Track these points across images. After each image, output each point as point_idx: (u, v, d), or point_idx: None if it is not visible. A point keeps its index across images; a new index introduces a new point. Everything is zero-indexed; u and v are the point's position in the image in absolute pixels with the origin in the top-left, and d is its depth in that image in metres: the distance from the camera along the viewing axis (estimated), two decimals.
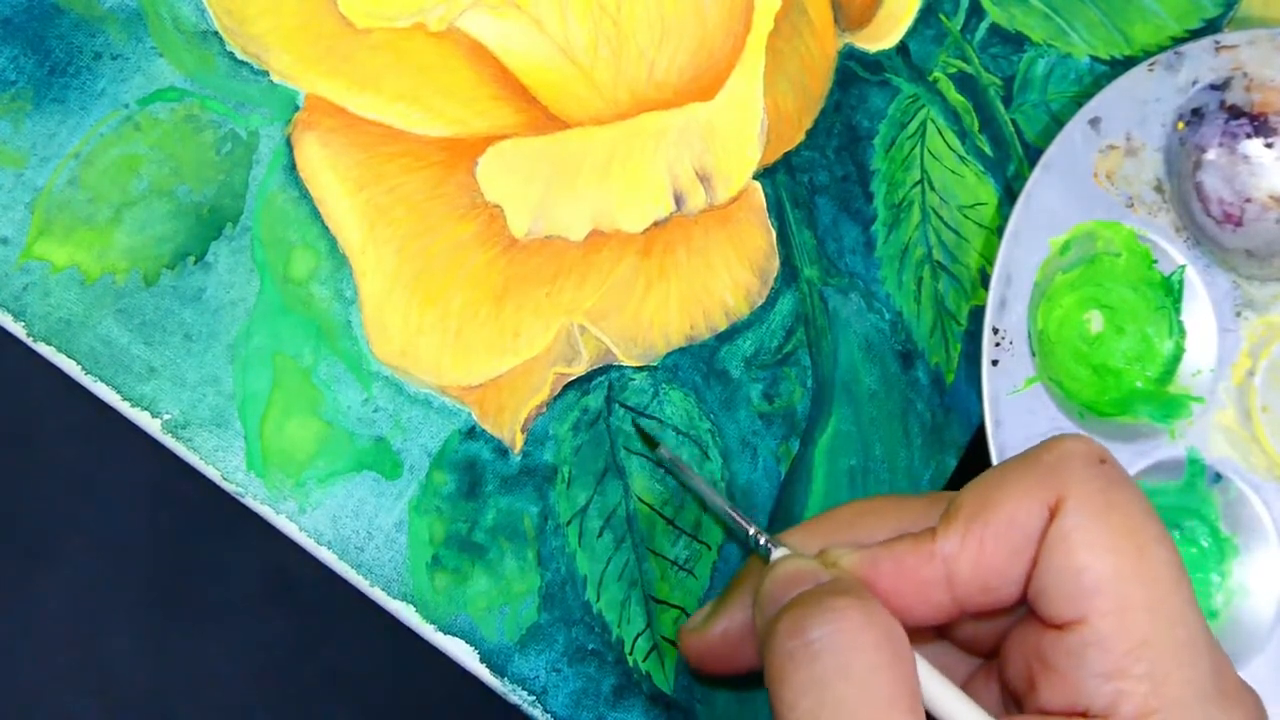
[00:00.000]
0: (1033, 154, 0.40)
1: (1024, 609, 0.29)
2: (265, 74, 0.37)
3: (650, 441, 0.36)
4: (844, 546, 0.29)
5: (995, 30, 0.41)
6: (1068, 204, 0.39)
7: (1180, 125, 0.40)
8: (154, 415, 0.35)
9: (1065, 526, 0.27)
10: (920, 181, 0.40)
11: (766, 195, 0.39)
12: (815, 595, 0.27)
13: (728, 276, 0.38)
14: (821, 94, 0.40)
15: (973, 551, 0.28)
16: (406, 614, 0.35)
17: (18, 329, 0.35)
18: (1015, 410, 0.38)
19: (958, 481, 0.39)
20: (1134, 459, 0.38)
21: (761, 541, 0.31)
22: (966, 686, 0.30)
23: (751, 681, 0.34)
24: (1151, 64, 0.40)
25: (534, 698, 0.35)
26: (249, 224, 0.36)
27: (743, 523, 0.32)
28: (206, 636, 0.36)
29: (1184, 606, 0.27)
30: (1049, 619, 0.27)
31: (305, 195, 0.37)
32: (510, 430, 0.36)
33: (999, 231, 0.39)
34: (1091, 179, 0.39)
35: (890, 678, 0.26)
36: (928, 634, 0.31)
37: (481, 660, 0.35)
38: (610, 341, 0.37)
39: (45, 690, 0.35)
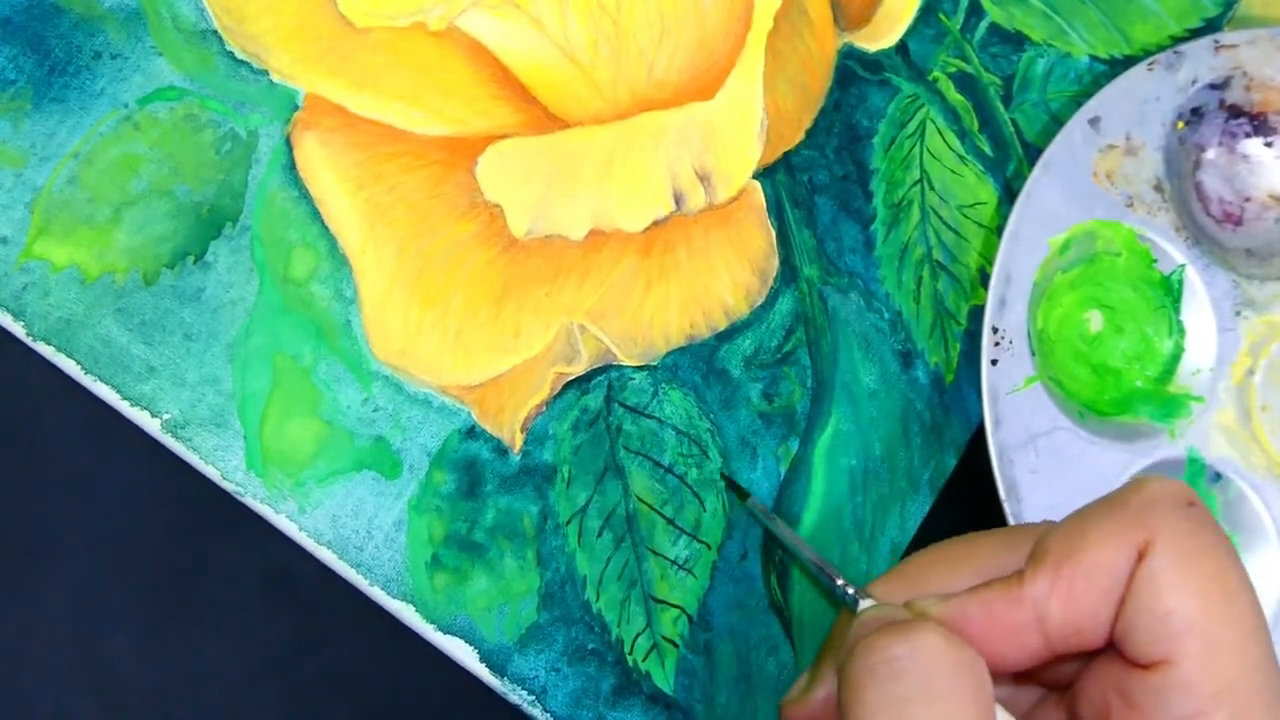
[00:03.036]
0: (1032, 153, 0.40)
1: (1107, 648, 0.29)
2: (265, 73, 0.37)
3: (741, 493, 0.37)
4: (928, 598, 0.29)
5: (995, 30, 0.41)
6: (1067, 203, 0.39)
7: (1180, 125, 0.40)
8: (154, 415, 0.35)
9: (1153, 568, 0.27)
10: (920, 181, 0.40)
11: (766, 195, 0.39)
12: (896, 623, 0.27)
13: (728, 276, 0.38)
14: (821, 93, 0.40)
15: (1063, 595, 0.28)
16: (406, 614, 0.35)
17: (18, 329, 0.35)
18: (1015, 410, 0.38)
19: (957, 481, 0.39)
20: (1134, 459, 0.38)
21: (850, 593, 0.31)
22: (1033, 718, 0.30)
23: (754, 682, 0.34)
24: (1151, 63, 0.40)
25: (534, 697, 0.35)
26: (248, 223, 0.36)
27: (831, 574, 0.32)
28: (206, 636, 0.36)
29: (1265, 653, 0.27)
30: (1135, 659, 0.27)
31: (305, 195, 0.37)
32: (510, 430, 0.36)
33: (999, 231, 0.39)
34: (1091, 178, 0.39)
35: (970, 701, 0.26)
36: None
37: (481, 660, 0.35)
38: (610, 341, 0.37)
39: (45, 690, 0.35)
